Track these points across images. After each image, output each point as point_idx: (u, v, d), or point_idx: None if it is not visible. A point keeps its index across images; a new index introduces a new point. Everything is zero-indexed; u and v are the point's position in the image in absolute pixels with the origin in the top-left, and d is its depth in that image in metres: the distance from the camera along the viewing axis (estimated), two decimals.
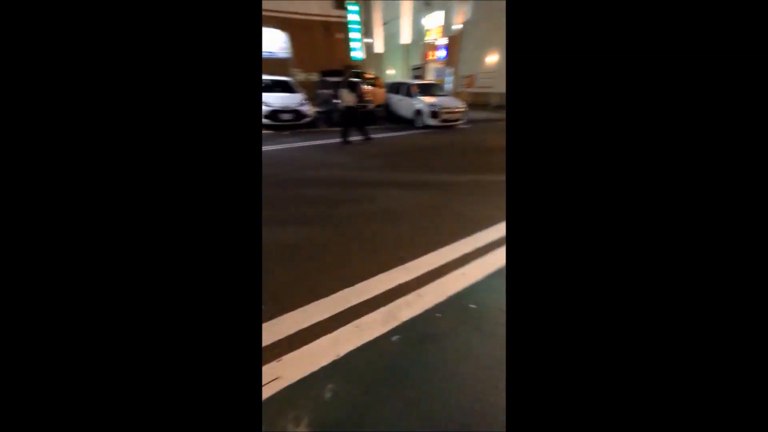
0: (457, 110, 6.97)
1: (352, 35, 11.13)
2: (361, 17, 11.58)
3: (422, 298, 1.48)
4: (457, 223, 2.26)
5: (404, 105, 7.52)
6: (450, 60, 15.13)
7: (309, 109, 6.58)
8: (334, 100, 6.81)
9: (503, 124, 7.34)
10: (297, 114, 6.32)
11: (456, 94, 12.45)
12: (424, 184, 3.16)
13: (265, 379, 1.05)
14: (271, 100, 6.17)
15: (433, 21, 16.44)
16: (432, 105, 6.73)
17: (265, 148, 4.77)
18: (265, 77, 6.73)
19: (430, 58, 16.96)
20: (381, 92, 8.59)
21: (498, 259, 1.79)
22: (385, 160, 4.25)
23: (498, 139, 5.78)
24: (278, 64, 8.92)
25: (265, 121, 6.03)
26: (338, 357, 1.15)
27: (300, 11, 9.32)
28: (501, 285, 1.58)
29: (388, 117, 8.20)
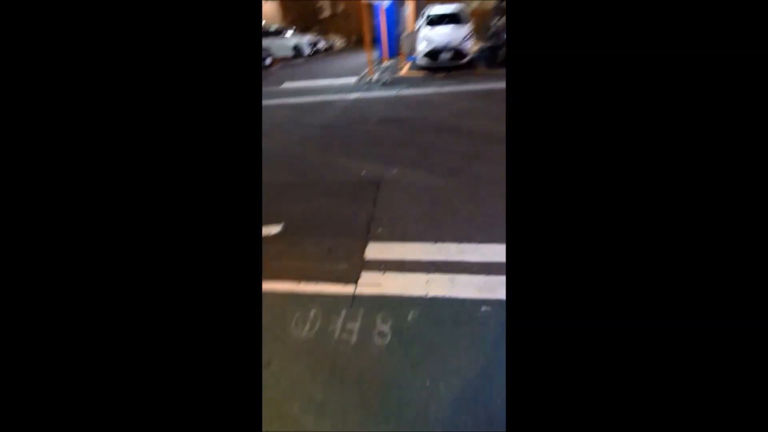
0: None
1: None
2: None
3: None
4: None
5: None
6: None
7: (470, 46, 5.87)
8: (506, 34, 5.70)
9: None
10: (456, 53, 5.75)
11: None
12: None
13: (369, 283, 1.40)
14: (434, 36, 5.83)
15: None
16: None
17: (411, 91, 4.88)
18: (437, 9, 6.31)
19: None
20: None
21: None
22: None
23: None
24: None
25: (423, 60, 5.90)
26: (426, 296, 1.33)
27: None
28: None
29: None
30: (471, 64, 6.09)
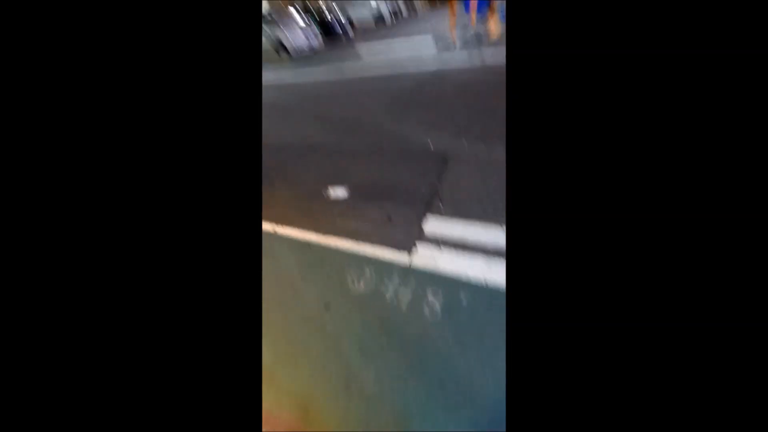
0: None
1: None
2: None
3: None
4: None
5: None
6: None
7: None
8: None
9: None
10: None
11: None
12: None
13: (424, 255, 1.40)
14: None
15: None
16: None
17: (498, 59, 4.26)
18: None
19: None
20: None
21: None
22: None
23: None
24: None
25: None
26: (482, 280, 1.27)
27: None
28: None
29: None
30: None
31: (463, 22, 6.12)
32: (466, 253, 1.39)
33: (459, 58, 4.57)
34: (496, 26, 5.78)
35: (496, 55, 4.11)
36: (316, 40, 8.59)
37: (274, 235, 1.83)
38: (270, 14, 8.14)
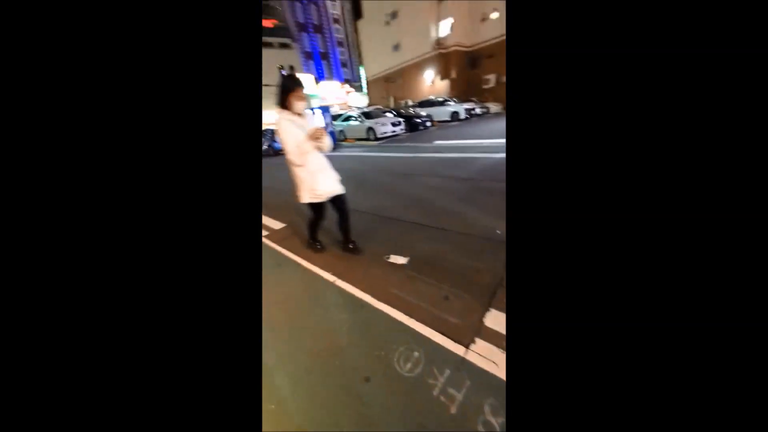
0: None
1: None
2: None
3: None
4: None
5: None
6: None
7: None
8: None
9: None
10: None
11: None
12: None
13: (483, 354, 1.25)
14: None
15: None
16: None
17: None
18: None
19: None
20: None
21: None
22: None
23: None
24: None
25: None
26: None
27: None
28: None
29: None
30: None
31: None
32: None
33: None
34: None
35: None
36: (400, 128, 10.62)
37: (333, 285, 1.91)
38: (367, 113, 10.91)
